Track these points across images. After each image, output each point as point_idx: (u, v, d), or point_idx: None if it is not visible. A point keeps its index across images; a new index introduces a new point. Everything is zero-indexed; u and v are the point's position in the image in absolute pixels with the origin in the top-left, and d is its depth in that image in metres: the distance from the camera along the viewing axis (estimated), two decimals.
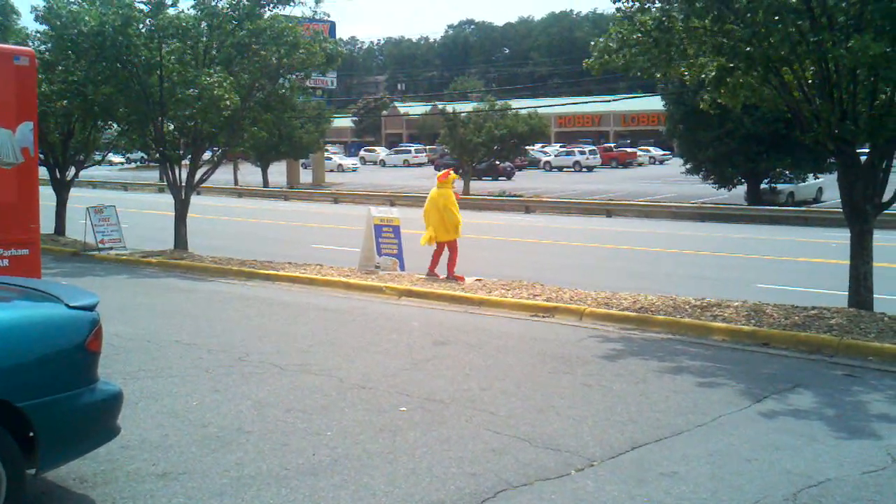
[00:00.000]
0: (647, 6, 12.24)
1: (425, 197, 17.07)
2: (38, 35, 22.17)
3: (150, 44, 19.05)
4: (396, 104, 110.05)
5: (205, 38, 20.08)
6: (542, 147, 77.30)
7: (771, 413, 7.87)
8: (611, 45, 12.51)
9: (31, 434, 5.17)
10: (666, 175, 61.48)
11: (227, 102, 18.46)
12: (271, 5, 20.21)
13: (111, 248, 20.90)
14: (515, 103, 57.31)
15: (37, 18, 19.87)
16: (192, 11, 19.89)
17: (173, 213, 21.28)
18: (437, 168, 58.43)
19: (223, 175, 49.18)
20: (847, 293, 12.32)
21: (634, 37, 12.13)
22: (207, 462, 6.40)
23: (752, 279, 17.54)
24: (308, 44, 20.11)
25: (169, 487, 5.91)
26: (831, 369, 9.63)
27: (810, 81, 11.93)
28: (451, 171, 17.16)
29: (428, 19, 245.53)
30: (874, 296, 12.19)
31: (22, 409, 5.06)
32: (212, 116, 19.07)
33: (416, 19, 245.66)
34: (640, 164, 76.43)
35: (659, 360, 9.92)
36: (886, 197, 12.11)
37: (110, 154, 29.32)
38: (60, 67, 19.74)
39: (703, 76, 12.46)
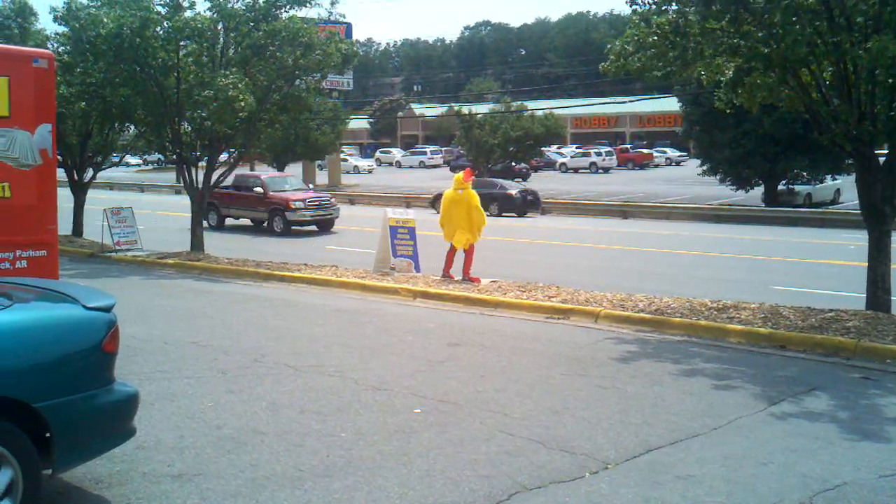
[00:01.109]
0: (663, 8, 12.20)
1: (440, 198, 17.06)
2: (57, 37, 22.33)
3: (168, 46, 19.14)
4: (412, 105, 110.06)
5: (221, 40, 20.16)
6: (558, 148, 77.22)
7: (787, 416, 7.83)
8: (627, 47, 12.47)
9: (48, 434, 5.21)
10: (682, 176, 61.28)
11: (243, 104, 18.52)
12: (287, 7, 20.27)
13: (128, 250, 21.01)
14: (531, 104, 57.27)
15: (56, 20, 20.02)
16: (209, 13, 19.98)
17: (190, 215, 21.37)
18: (454, 170, 58.34)
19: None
20: (865, 295, 12.25)
21: (651, 39, 12.09)
22: (222, 463, 6.42)
23: (769, 281, 17.46)
24: (324, 45, 20.16)
25: (184, 488, 5.94)
26: (848, 372, 9.58)
27: (828, 82, 11.87)
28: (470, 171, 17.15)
29: (444, 21, 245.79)
30: (892, 298, 12.12)
31: (38, 409, 5.10)
32: (227, 118, 19.13)
33: (433, 21, 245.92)
34: (656, 166, 76.21)
35: (674, 363, 9.90)
36: None
37: (127, 156, 29.49)
38: (79, 69, 19.86)
39: (719, 77, 12.41)
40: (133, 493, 5.87)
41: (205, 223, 26.70)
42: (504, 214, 36.91)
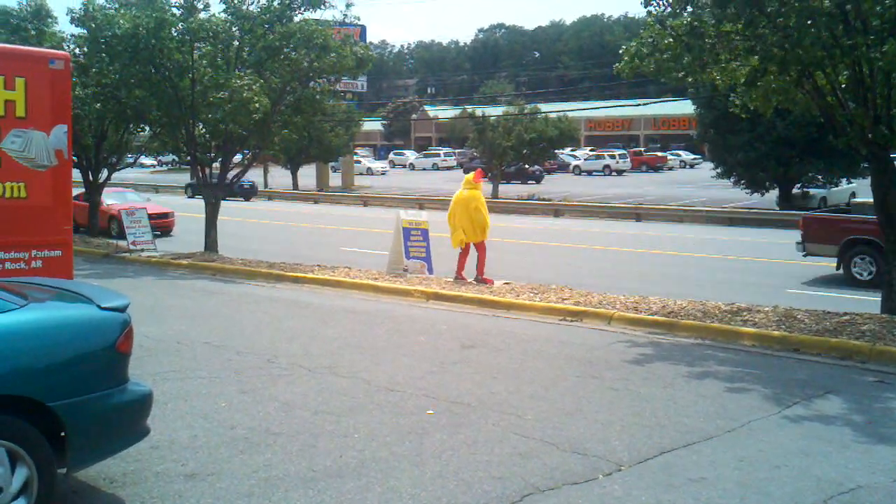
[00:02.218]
0: (678, 11, 12.16)
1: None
2: (74, 38, 22.48)
3: (183, 47, 19.23)
4: (426, 108, 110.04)
5: (236, 42, 20.24)
6: (572, 151, 77.11)
7: (801, 419, 7.80)
8: (642, 49, 12.44)
9: (62, 434, 5.23)
10: (697, 179, 61.06)
11: (257, 105, 18.58)
12: (302, 9, 20.33)
13: (142, 250, 21.09)
14: (545, 107, 57.03)
15: (72, 21, 20.14)
16: (224, 15, 20.06)
17: (203, 216, 21.45)
18: (466, 172, 58.21)
19: (253, 178, 49.48)
20: (880, 299, 12.18)
21: (666, 42, 12.06)
22: (236, 463, 6.44)
23: (783, 284, 17.39)
24: (338, 47, 20.19)
25: (197, 488, 5.96)
26: (863, 375, 9.53)
27: (844, 86, 11.80)
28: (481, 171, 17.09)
29: (458, 23, 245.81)
30: None
31: (53, 409, 5.13)
32: (242, 119, 19.21)
33: (447, 23, 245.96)
34: (670, 169, 76.01)
35: (687, 365, 9.86)
36: None
37: (142, 157, 29.67)
38: (94, 70, 19.98)
39: (734, 82, 12.37)
40: (147, 492, 5.89)
41: (837, 271, 17.72)
42: (228, 198, 45.20)
